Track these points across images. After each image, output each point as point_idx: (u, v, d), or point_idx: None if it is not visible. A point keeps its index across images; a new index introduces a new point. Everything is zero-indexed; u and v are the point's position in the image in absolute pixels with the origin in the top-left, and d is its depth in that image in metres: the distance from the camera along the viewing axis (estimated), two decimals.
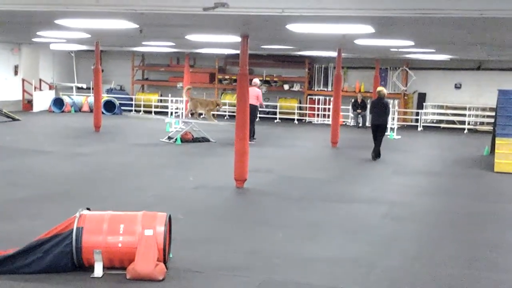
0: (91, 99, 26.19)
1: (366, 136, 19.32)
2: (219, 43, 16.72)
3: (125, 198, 10.74)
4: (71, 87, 29.24)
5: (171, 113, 24.94)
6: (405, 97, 26.73)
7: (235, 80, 26.24)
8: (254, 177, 12.40)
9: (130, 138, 19.43)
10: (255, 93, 18.47)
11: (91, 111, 25.34)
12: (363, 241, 8.56)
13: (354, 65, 26.76)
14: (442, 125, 26.05)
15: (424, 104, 26.44)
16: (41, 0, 7.87)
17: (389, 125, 17.80)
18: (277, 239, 8.51)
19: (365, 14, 7.56)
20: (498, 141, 15.60)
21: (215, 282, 6.70)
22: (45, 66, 29.18)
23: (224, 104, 26.74)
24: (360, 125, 25.67)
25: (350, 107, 26.00)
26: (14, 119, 22.76)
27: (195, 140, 18.65)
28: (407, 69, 26.24)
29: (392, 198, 11.52)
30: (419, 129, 25.47)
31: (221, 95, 28.57)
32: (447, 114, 26.16)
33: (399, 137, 21.80)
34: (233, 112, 22.88)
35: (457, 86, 26.41)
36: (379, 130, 16.13)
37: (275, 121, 26.86)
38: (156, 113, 27.73)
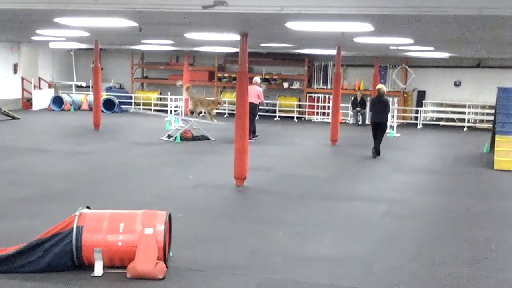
0: (90, 97, 26.19)
1: (365, 134, 19.34)
2: (219, 41, 16.71)
3: (125, 196, 10.74)
4: (71, 86, 29.25)
5: (171, 111, 24.90)
6: (405, 95, 26.74)
7: (234, 78, 26.26)
8: (253, 175, 12.40)
9: (130, 136, 19.43)
10: (256, 92, 18.52)
11: (90, 109, 25.36)
12: (363, 240, 8.57)
13: (353, 63, 26.76)
14: (442, 123, 26.06)
15: (423, 102, 26.44)
16: None
17: (388, 123, 17.77)
18: (277, 238, 8.51)
19: (364, 12, 7.55)
20: (497, 138, 15.59)
21: (215, 281, 6.70)
22: (45, 65, 29.17)
23: (224, 102, 26.74)
24: (360, 123, 25.68)
25: (349, 105, 26.00)
26: (13, 118, 22.76)
27: (195, 138, 18.66)
28: (406, 67, 26.24)
29: (392, 196, 11.52)
30: (419, 127, 25.48)
31: (220, 93, 28.57)
32: (446, 112, 26.16)
33: (399, 135, 21.81)
34: (233, 110, 22.88)
35: (457, 84, 26.41)
36: (379, 128, 16.14)
37: (275, 119, 26.86)
38: (155, 111, 27.71)
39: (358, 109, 25.74)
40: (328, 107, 25.89)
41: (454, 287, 6.83)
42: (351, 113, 26.24)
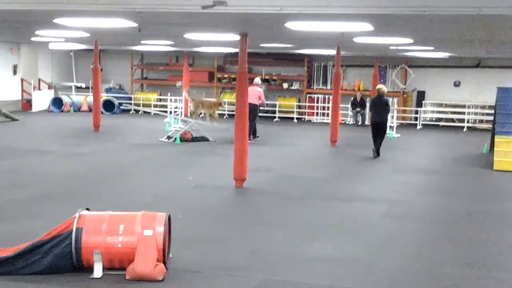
0: (90, 98, 26.18)
1: (365, 134, 19.33)
2: (218, 41, 16.71)
3: (125, 198, 10.72)
4: (70, 87, 29.23)
5: (170, 112, 24.92)
6: (404, 95, 26.73)
7: (234, 79, 26.26)
8: (253, 176, 12.39)
9: (130, 137, 19.41)
10: (257, 93, 18.59)
11: (90, 110, 25.36)
12: (363, 241, 8.55)
13: (353, 63, 26.75)
14: (441, 123, 26.06)
15: (423, 102, 26.44)
16: None
17: (388, 123, 17.77)
18: (277, 239, 8.49)
19: (364, 12, 7.55)
20: (497, 139, 15.58)
21: (215, 282, 6.69)
22: (44, 66, 29.16)
23: (224, 103, 26.75)
24: (360, 123, 25.68)
25: (349, 105, 25.99)
26: (12, 119, 22.74)
27: (194, 139, 18.64)
28: (406, 67, 26.24)
29: (392, 196, 11.51)
30: (418, 127, 25.47)
31: (220, 94, 28.56)
32: (446, 112, 26.15)
33: (398, 135, 21.80)
34: (233, 111, 22.87)
35: (456, 84, 26.41)
36: (379, 128, 16.14)
37: (274, 120, 26.85)
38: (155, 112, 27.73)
39: (358, 109, 25.74)
40: (328, 107, 25.88)
41: (453, 287, 6.81)
42: (351, 113, 26.23)
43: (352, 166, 15.23)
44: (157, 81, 29.92)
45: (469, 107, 25.51)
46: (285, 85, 27.93)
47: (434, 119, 26.53)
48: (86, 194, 10.81)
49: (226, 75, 28.57)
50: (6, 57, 27.03)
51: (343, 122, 25.51)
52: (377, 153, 16.18)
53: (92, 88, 22.88)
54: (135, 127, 22.76)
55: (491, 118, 20.46)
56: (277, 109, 27.18)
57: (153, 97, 29.09)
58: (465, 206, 10.99)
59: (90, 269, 6.67)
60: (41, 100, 27.80)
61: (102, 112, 22.51)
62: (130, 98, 29.11)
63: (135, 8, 7.69)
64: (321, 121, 26.89)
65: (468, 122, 25.46)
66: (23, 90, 27.88)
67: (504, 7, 6.69)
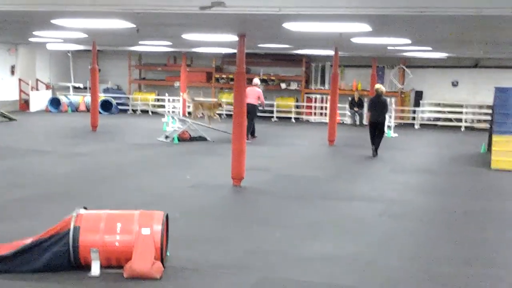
0: (88, 98, 26.18)
1: (363, 134, 19.36)
2: (216, 42, 16.72)
3: (123, 197, 10.74)
4: (68, 87, 29.24)
5: (168, 112, 24.91)
6: (402, 95, 26.75)
7: (232, 79, 26.28)
8: (251, 175, 12.40)
9: (127, 137, 19.42)
10: (256, 93, 18.76)
11: (88, 110, 25.34)
12: (361, 240, 8.57)
13: (351, 63, 26.76)
14: (439, 123, 26.08)
15: (421, 102, 26.46)
16: (38, 0, 7.86)
17: (386, 123, 17.81)
18: (275, 238, 8.51)
19: (362, 13, 7.56)
20: (495, 138, 15.62)
21: (212, 281, 6.71)
22: (42, 66, 29.15)
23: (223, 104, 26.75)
24: (357, 123, 25.70)
25: (347, 105, 26.02)
26: (10, 119, 22.74)
27: (192, 139, 18.67)
28: (404, 67, 26.26)
29: (390, 196, 11.53)
30: (416, 127, 25.50)
31: (218, 94, 28.57)
32: (444, 112, 26.17)
33: (396, 135, 21.82)
34: (230, 111, 22.87)
35: (454, 84, 26.43)
36: (377, 127, 16.18)
37: (273, 119, 26.86)
38: (153, 112, 27.74)
39: (356, 109, 25.77)
40: (326, 107, 25.89)
41: (451, 285, 6.84)
42: (349, 113, 26.25)
43: (350, 166, 15.25)
44: (155, 82, 29.92)
45: (466, 107, 25.55)
46: (283, 85, 27.95)
47: (432, 119, 26.55)
48: (84, 194, 10.82)
49: (224, 76, 28.58)
50: (4, 58, 27.02)
51: (341, 122, 25.52)
52: (375, 152, 16.23)
53: (90, 88, 22.89)
54: (133, 127, 22.77)
55: (489, 117, 20.48)
56: (275, 109, 27.19)
57: (151, 97, 29.09)
58: (463, 205, 11.02)
59: (88, 268, 6.69)
60: (39, 100, 27.81)
61: (100, 112, 22.51)
62: (128, 99, 29.10)
63: (133, 9, 7.70)
64: (319, 121, 26.90)
65: (466, 122, 25.49)
66: (21, 91, 27.87)
67: (501, 8, 6.71)
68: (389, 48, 17.35)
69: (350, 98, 26.01)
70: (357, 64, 26.67)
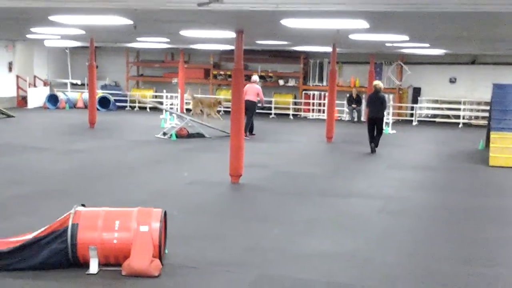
0: (85, 95, 26.15)
1: (361, 131, 19.35)
2: (214, 38, 16.70)
3: (121, 194, 10.73)
4: (66, 84, 29.19)
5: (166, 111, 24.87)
6: (400, 92, 26.75)
7: (230, 76, 26.24)
8: (249, 172, 12.39)
9: (125, 134, 19.41)
10: (255, 90, 18.84)
11: (85, 107, 25.30)
12: (359, 236, 8.58)
13: (349, 60, 26.74)
14: (437, 120, 26.08)
15: (419, 98, 26.46)
16: None
17: (384, 119, 17.82)
18: (273, 235, 8.51)
19: (359, 9, 7.56)
20: (493, 135, 15.64)
21: (210, 278, 6.71)
22: (40, 63, 29.09)
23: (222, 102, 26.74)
24: (355, 120, 25.70)
25: (345, 102, 26.02)
26: (8, 116, 22.71)
27: (190, 136, 18.66)
28: (401, 63, 26.26)
29: (388, 193, 11.54)
30: (414, 123, 25.50)
31: (216, 91, 28.56)
32: (442, 109, 26.18)
33: (394, 131, 21.81)
34: (228, 107, 22.85)
35: (452, 81, 26.43)
36: (376, 123, 16.20)
37: (270, 116, 26.85)
38: (151, 108, 27.70)
39: (354, 106, 25.77)
40: (324, 104, 25.88)
41: (449, 283, 6.84)
42: (347, 110, 26.25)
43: (349, 163, 15.25)
44: (153, 78, 29.90)
45: (464, 103, 25.55)
46: (281, 82, 27.93)
47: (430, 116, 26.56)
48: (82, 191, 10.81)
49: (222, 72, 28.56)
50: (1, 54, 26.96)
51: (339, 118, 25.52)
52: (374, 149, 16.26)
53: (87, 85, 22.85)
54: (130, 123, 22.75)
55: (487, 114, 20.51)
56: (273, 105, 27.17)
57: (148, 94, 29.05)
58: (461, 202, 11.03)
59: (86, 265, 6.68)
60: (37, 97, 27.75)
61: (97, 109, 22.49)
62: (126, 95, 29.08)
63: (131, 6, 7.69)
64: (317, 117, 26.90)
65: (463, 118, 25.49)
66: (18, 87, 27.82)
67: (499, 4, 6.71)
68: (387, 44, 17.34)
69: (348, 95, 26.00)
70: (355, 60, 26.66)
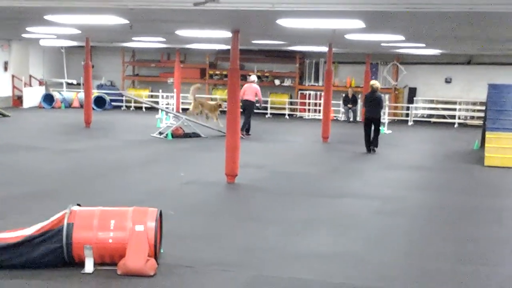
0: (81, 95, 26.10)
1: (357, 131, 19.38)
2: (210, 38, 16.70)
3: (116, 194, 10.72)
4: (61, 83, 29.14)
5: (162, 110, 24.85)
6: (396, 92, 26.78)
7: (226, 76, 26.23)
8: (245, 172, 12.39)
9: (121, 134, 19.39)
10: (253, 90, 18.96)
11: (81, 107, 25.26)
12: (355, 236, 8.58)
13: (345, 60, 26.77)
14: (433, 120, 26.12)
15: (414, 98, 26.50)
16: None
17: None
18: (268, 235, 8.51)
19: (355, 9, 7.56)
20: (488, 135, 15.66)
21: (206, 278, 6.70)
22: (35, 62, 29.03)
23: (215, 99, 26.72)
24: (351, 120, 25.72)
25: (341, 102, 26.03)
26: (4, 115, 22.66)
27: (186, 135, 18.66)
28: (397, 63, 26.28)
29: (383, 192, 11.54)
30: (410, 123, 25.52)
31: (212, 91, 28.55)
32: (437, 109, 26.22)
33: (390, 131, 21.83)
34: (225, 107, 22.83)
35: (448, 81, 26.47)
36: (373, 123, 16.23)
37: (266, 116, 26.85)
38: (146, 108, 27.67)
39: (350, 106, 25.79)
40: (320, 104, 25.88)
41: (445, 282, 6.86)
42: (343, 110, 26.26)
43: (344, 163, 15.26)
44: (149, 78, 29.88)
45: (460, 103, 25.59)
46: (277, 82, 27.94)
47: (425, 116, 26.59)
48: (78, 191, 10.79)
49: (218, 72, 28.55)
50: None
51: (335, 118, 25.53)
52: (373, 149, 16.33)
53: (83, 84, 22.82)
54: (126, 123, 22.73)
55: (482, 114, 20.53)
56: (269, 105, 27.17)
57: (144, 93, 29.02)
58: (456, 202, 11.04)
59: (81, 265, 6.67)
60: (32, 96, 27.71)
61: (93, 109, 22.46)
62: (122, 95, 29.03)
63: (127, 5, 7.68)
64: (312, 117, 26.92)
65: (459, 118, 25.53)
66: (14, 87, 27.76)
67: (494, 5, 6.72)
68: (382, 44, 17.36)
69: (343, 95, 26.03)
70: (351, 60, 26.69)
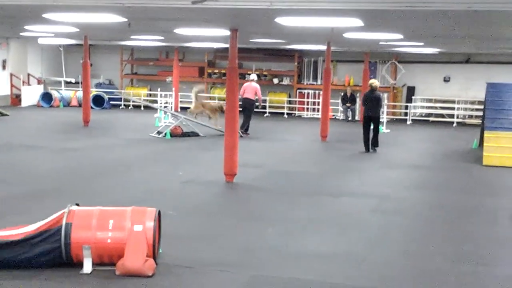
0: (80, 93, 26.08)
1: (355, 130, 19.38)
2: (208, 36, 16.68)
3: (115, 193, 10.70)
4: (60, 82, 29.10)
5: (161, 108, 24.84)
6: (394, 91, 26.77)
7: (224, 74, 26.22)
8: (243, 171, 12.37)
9: (119, 132, 19.36)
10: (253, 88, 19.04)
11: (80, 105, 25.24)
12: (353, 236, 8.57)
13: (343, 58, 26.75)
14: (431, 119, 26.11)
15: (413, 97, 26.48)
16: None
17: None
18: (267, 234, 8.50)
19: (354, 7, 7.55)
20: (486, 134, 15.66)
21: (205, 278, 6.69)
22: (34, 61, 28.98)
23: (213, 98, 26.72)
24: (350, 118, 25.70)
25: (339, 101, 26.02)
26: (2, 114, 22.62)
27: (185, 134, 18.65)
28: (396, 62, 26.27)
29: (382, 192, 11.53)
30: (408, 122, 25.51)
31: (210, 89, 28.52)
32: (436, 108, 26.22)
33: (388, 130, 21.82)
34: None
35: (446, 80, 26.47)
36: (373, 122, 16.22)
37: (265, 115, 26.82)
38: (145, 107, 27.63)
39: (348, 104, 25.77)
40: (318, 103, 25.87)
41: (444, 282, 6.85)
42: (341, 109, 26.25)
43: (343, 162, 15.25)
44: (147, 76, 29.85)
45: (458, 102, 25.58)
46: (276, 80, 27.91)
47: (424, 115, 26.59)
48: (75, 190, 10.77)
49: (216, 70, 28.53)
50: None
51: (333, 117, 25.53)
52: (373, 148, 16.36)
53: (81, 83, 22.79)
54: (125, 122, 22.71)
55: (481, 113, 20.54)
56: (267, 104, 27.15)
57: (143, 92, 29.00)
58: (455, 201, 11.04)
59: (80, 265, 6.65)
60: (31, 95, 27.67)
61: (92, 107, 22.43)
62: (120, 93, 29.02)
63: (125, 3, 7.66)
64: (311, 116, 26.90)
65: (457, 117, 25.51)
66: (12, 85, 27.73)
67: (493, 3, 6.71)
68: (381, 43, 17.35)
69: (342, 94, 26.01)
70: (350, 59, 26.67)
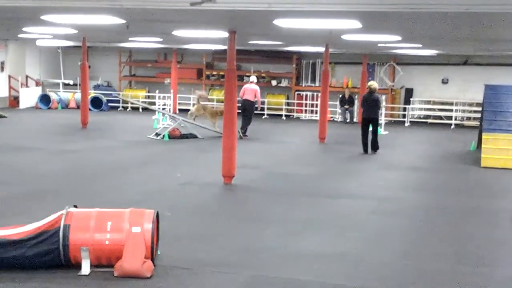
0: (78, 95, 26.05)
1: (354, 131, 19.38)
2: (207, 38, 16.68)
3: (113, 194, 10.69)
4: (58, 84, 29.08)
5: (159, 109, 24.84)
6: (393, 93, 26.79)
7: (223, 76, 26.21)
8: (242, 173, 12.38)
9: (118, 134, 19.36)
10: (253, 90, 19.17)
11: (78, 107, 25.21)
12: (352, 237, 8.58)
13: (341, 60, 26.76)
14: (429, 120, 26.12)
15: (411, 99, 26.50)
16: None
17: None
18: (265, 236, 8.50)
19: (352, 9, 7.55)
20: (484, 136, 15.67)
21: (203, 279, 6.69)
22: (32, 63, 28.97)
23: (212, 100, 26.71)
24: (348, 120, 25.71)
25: (337, 102, 26.03)
26: (0, 116, 22.60)
27: (183, 136, 18.64)
28: (394, 64, 26.29)
29: (380, 193, 11.54)
30: (406, 124, 25.51)
31: (208, 91, 28.51)
32: (434, 109, 26.23)
33: (387, 132, 21.82)
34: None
35: (444, 81, 26.49)
36: (371, 124, 16.24)
37: (263, 117, 26.82)
38: (143, 109, 27.61)
39: (346, 106, 25.77)
40: (316, 105, 25.87)
41: (442, 283, 6.85)
42: (339, 111, 26.26)
43: (341, 163, 15.26)
44: (146, 78, 29.82)
45: (456, 104, 25.60)
46: (274, 82, 27.92)
47: (422, 116, 26.60)
48: (73, 192, 10.77)
49: (214, 72, 28.52)
50: None
51: (332, 119, 25.53)
52: (366, 148, 16.32)
53: (80, 85, 22.78)
54: (123, 124, 22.70)
55: (479, 115, 20.55)
56: (265, 106, 27.14)
57: (141, 94, 28.98)
58: (454, 203, 11.04)
59: (78, 266, 6.65)
60: (29, 97, 27.64)
61: (90, 109, 22.42)
62: (118, 95, 28.99)
63: (123, 5, 7.66)
64: (309, 118, 26.90)
65: (455, 119, 25.53)
66: (10, 87, 27.71)
67: (491, 5, 6.71)
68: (379, 45, 17.36)
69: (340, 96, 26.01)
70: (348, 61, 26.67)
